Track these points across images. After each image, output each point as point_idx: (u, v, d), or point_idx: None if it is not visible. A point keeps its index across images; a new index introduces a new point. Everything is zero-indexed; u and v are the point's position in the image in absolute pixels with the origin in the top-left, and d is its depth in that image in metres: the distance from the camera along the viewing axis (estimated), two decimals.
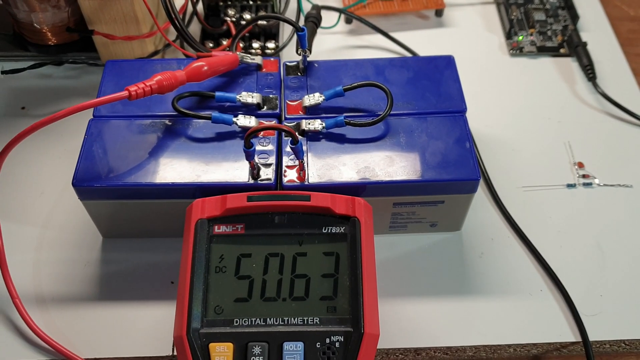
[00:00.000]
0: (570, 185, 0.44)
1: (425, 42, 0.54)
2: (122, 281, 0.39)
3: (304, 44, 0.41)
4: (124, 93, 0.36)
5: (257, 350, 0.30)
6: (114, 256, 0.40)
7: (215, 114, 0.38)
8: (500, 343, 0.37)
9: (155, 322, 0.37)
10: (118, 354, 0.36)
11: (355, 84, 0.39)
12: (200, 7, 0.52)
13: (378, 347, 0.33)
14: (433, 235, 0.41)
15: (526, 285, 0.39)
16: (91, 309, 0.38)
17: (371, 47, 0.54)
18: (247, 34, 0.51)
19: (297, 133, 0.36)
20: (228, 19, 0.52)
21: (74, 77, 0.50)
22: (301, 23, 0.51)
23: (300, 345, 0.30)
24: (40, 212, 0.42)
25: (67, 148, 0.46)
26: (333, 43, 0.54)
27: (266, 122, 0.39)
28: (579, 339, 0.37)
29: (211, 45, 0.51)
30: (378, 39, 0.54)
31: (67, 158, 0.45)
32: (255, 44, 0.51)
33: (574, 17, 0.55)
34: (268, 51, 0.51)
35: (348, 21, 0.55)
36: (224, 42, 0.51)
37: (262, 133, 0.39)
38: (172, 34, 0.51)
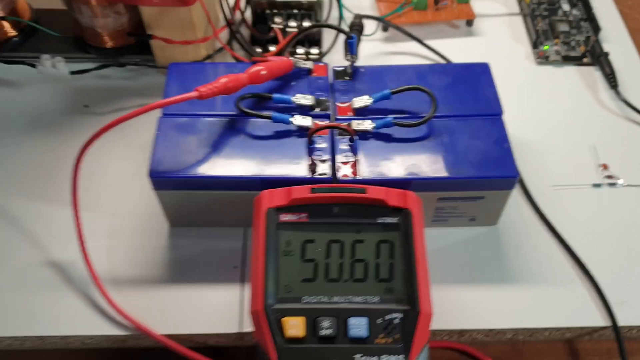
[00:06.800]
0: (596, 185, 0.48)
1: (456, 49, 0.57)
2: (189, 265, 0.42)
3: (353, 50, 0.45)
4: (195, 93, 0.39)
5: (326, 323, 0.33)
6: (180, 242, 0.43)
7: (275, 113, 0.42)
8: (536, 327, 0.40)
9: (222, 302, 0.40)
10: (189, 331, 0.39)
11: (403, 88, 0.43)
12: (248, 14, 0.56)
13: None
14: (472, 229, 0.45)
15: (558, 275, 0.42)
16: (162, 290, 0.41)
17: (406, 53, 0.57)
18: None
19: None
20: (275, 26, 0.55)
21: (131, 78, 0.54)
22: None
23: (364, 320, 0.33)
24: (110, 203, 0.45)
25: (127, 144, 0.49)
26: (371, 49, 0.57)
27: (320, 122, 0.42)
28: (609, 324, 0.40)
29: (259, 50, 0.54)
30: (412, 45, 0.58)
31: (131, 153, 0.48)
32: (300, 50, 0.54)
33: (596, 29, 0.59)
34: (312, 56, 0.54)
35: (385, 29, 0.59)
36: (271, 48, 0.54)
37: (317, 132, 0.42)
38: (222, 39, 0.54)
